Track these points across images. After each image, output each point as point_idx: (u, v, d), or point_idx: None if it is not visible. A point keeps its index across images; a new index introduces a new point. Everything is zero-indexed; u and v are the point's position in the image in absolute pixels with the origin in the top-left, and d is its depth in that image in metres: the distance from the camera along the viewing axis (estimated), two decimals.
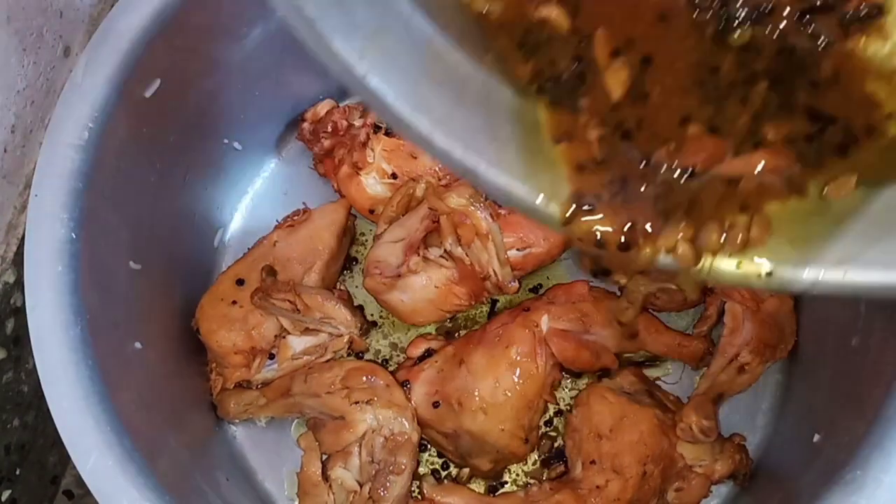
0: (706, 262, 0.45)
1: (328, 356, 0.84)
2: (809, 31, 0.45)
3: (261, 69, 0.86)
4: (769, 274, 0.45)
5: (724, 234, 0.45)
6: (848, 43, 0.45)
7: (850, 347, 0.73)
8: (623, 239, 0.45)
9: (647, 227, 0.45)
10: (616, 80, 0.46)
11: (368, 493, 0.77)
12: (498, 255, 0.81)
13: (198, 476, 0.77)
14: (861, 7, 0.45)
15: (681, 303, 0.85)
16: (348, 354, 0.86)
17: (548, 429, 0.86)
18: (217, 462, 0.83)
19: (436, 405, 0.80)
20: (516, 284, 0.82)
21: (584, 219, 0.45)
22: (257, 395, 0.84)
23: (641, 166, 0.45)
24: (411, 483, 0.79)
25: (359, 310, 0.88)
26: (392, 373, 0.82)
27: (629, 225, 0.45)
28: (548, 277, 0.90)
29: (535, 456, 0.85)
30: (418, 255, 0.82)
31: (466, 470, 0.84)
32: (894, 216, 0.45)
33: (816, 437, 0.72)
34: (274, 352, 0.84)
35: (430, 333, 0.87)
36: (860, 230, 0.45)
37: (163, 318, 0.83)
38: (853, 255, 0.44)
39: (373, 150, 0.88)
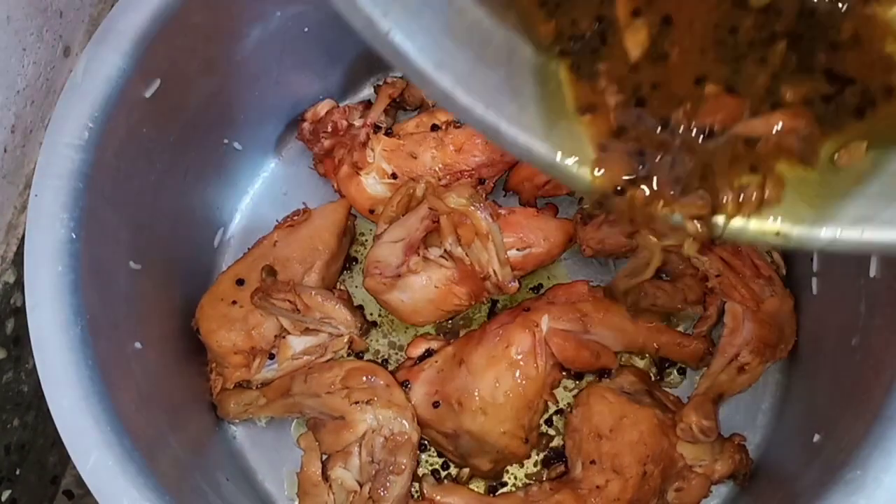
0: (725, 220, 0.46)
1: (328, 356, 0.84)
2: None
3: (261, 69, 0.86)
4: (786, 233, 0.45)
5: (742, 194, 0.45)
6: (869, 6, 0.45)
7: (850, 347, 0.73)
8: (647, 193, 0.46)
9: (669, 187, 0.46)
10: (635, 40, 0.46)
11: (368, 493, 0.77)
12: (498, 255, 0.81)
13: (198, 476, 0.77)
14: None
15: (681, 303, 0.85)
16: (348, 354, 0.86)
17: (548, 429, 0.86)
18: (217, 462, 0.83)
19: (436, 405, 0.80)
20: (516, 284, 0.82)
21: (609, 174, 0.46)
22: (257, 395, 0.84)
23: (659, 131, 0.46)
24: (411, 483, 0.79)
25: (359, 310, 0.88)
26: (392, 373, 0.82)
27: (652, 180, 0.46)
28: (548, 277, 0.90)
29: (535, 456, 0.85)
30: (418, 255, 0.82)
31: (466, 470, 0.84)
32: None
33: (816, 437, 0.72)
34: (274, 352, 0.84)
35: (430, 333, 0.87)
36: (878, 190, 0.45)
37: (163, 318, 0.83)
38: (871, 215, 0.45)
39: (373, 150, 0.88)
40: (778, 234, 0.46)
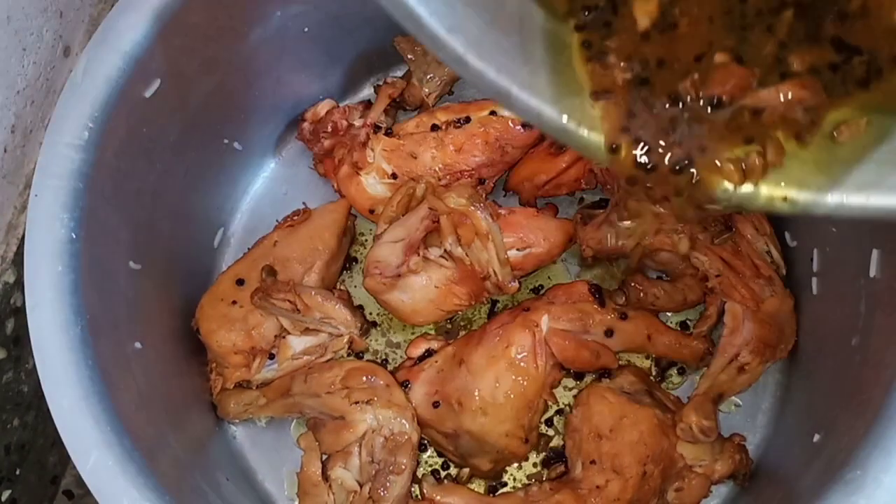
0: (734, 185, 0.46)
1: (328, 356, 0.84)
2: None
3: (261, 69, 0.86)
4: (793, 198, 0.46)
5: (744, 162, 0.46)
6: None
7: (850, 347, 0.73)
8: (667, 160, 0.46)
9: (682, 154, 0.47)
10: (645, 9, 0.47)
11: (368, 493, 0.77)
12: (498, 255, 0.81)
13: (198, 476, 0.77)
14: None
15: (681, 303, 0.85)
16: (348, 354, 0.87)
17: (548, 429, 0.86)
18: (217, 462, 0.83)
19: (436, 405, 0.80)
20: (516, 284, 0.82)
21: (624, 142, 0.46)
22: (257, 395, 0.84)
23: (668, 106, 0.46)
24: (411, 483, 0.79)
25: (359, 310, 0.88)
26: (392, 373, 0.82)
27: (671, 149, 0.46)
28: (549, 277, 0.90)
29: (535, 456, 0.85)
30: (418, 255, 0.82)
31: (466, 470, 0.84)
32: None
33: (816, 437, 0.72)
34: (274, 352, 0.84)
35: (429, 333, 0.87)
36: (886, 157, 0.46)
37: (163, 318, 0.83)
38: (877, 180, 0.46)
39: (373, 150, 0.88)
40: (785, 199, 0.46)
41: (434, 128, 0.88)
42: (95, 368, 0.67)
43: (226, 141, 0.90)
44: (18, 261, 0.78)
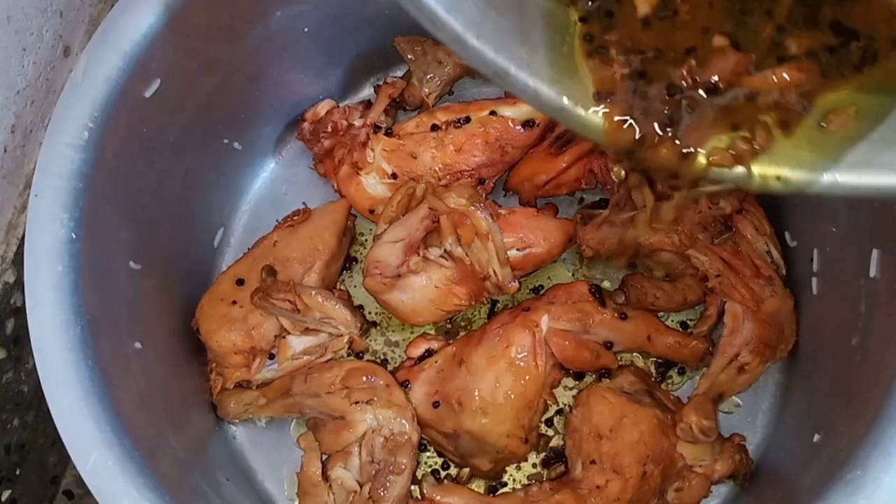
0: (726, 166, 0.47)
1: (328, 356, 0.84)
2: None
3: (261, 69, 0.86)
4: (787, 177, 0.47)
5: (735, 145, 0.47)
6: None
7: (850, 347, 0.73)
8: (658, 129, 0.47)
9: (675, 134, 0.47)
10: None
11: (368, 493, 0.77)
12: (498, 255, 0.81)
13: (198, 476, 0.77)
14: None
15: (681, 303, 0.85)
16: (348, 354, 0.87)
17: (548, 429, 0.86)
18: (217, 462, 0.83)
19: (436, 405, 0.80)
20: (516, 284, 0.82)
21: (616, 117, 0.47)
22: (257, 395, 0.84)
23: (667, 95, 0.47)
24: (411, 483, 0.79)
25: (359, 310, 0.88)
26: (392, 373, 0.82)
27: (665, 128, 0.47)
28: (548, 277, 0.90)
29: (535, 456, 0.84)
30: (418, 255, 0.82)
31: (466, 470, 0.84)
32: None
33: (816, 437, 0.72)
34: (274, 352, 0.84)
35: (429, 333, 0.87)
36: (879, 136, 0.47)
37: (163, 318, 0.83)
38: (869, 159, 0.46)
39: (373, 150, 0.88)
40: (779, 178, 0.47)
41: (434, 128, 0.88)
42: (95, 368, 0.67)
43: (226, 141, 0.90)
44: (18, 261, 0.78)
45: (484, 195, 0.84)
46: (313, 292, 0.82)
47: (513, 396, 0.79)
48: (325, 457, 0.80)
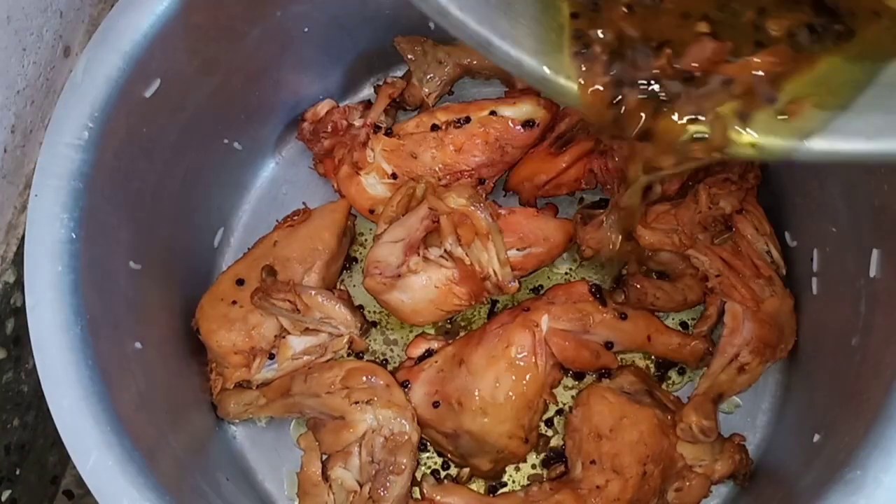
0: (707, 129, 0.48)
1: (328, 356, 0.84)
2: None
3: (261, 69, 0.86)
4: (761, 144, 0.48)
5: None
6: None
7: (850, 347, 0.73)
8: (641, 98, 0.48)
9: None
10: None
11: (368, 493, 0.77)
12: (498, 255, 0.81)
13: (198, 476, 0.77)
14: None
15: (681, 303, 0.85)
16: (348, 354, 0.87)
17: (548, 429, 0.86)
18: (217, 462, 0.83)
19: (436, 405, 0.80)
20: (516, 284, 0.82)
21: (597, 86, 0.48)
22: (257, 395, 0.84)
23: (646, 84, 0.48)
24: (411, 483, 0.79)
25: (359, 310, 0.88)
26: (392, 373, 0.82)
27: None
28: (548, 277, 0.90)
29: (535, 456, 0.84)
30: (418, 255, 0.82)
31: (466, 470, 0.84)
32: (883, 93, 0.47)
33: (816, 437, 0.72)
34: (274, 352, 0.84)
35: (429, 333, 0.87)
36: (856, 104, 0.48)
37: (163, 318, 0.83)
38: (840, 127, 0.47)
39: (373, 150, 0.88)
40: (753, 145, 0.48)
41: (434, 128, 0.88)
42: (95, 368, 0.67)
43: (226, 141, 0.90)
44: (18, 261, 0.78)
45: (484, 195, 0.84)
46: (313, 292, 0.82)
47: (513, 396, 0.79)
48: (325, 457, 0.80)
